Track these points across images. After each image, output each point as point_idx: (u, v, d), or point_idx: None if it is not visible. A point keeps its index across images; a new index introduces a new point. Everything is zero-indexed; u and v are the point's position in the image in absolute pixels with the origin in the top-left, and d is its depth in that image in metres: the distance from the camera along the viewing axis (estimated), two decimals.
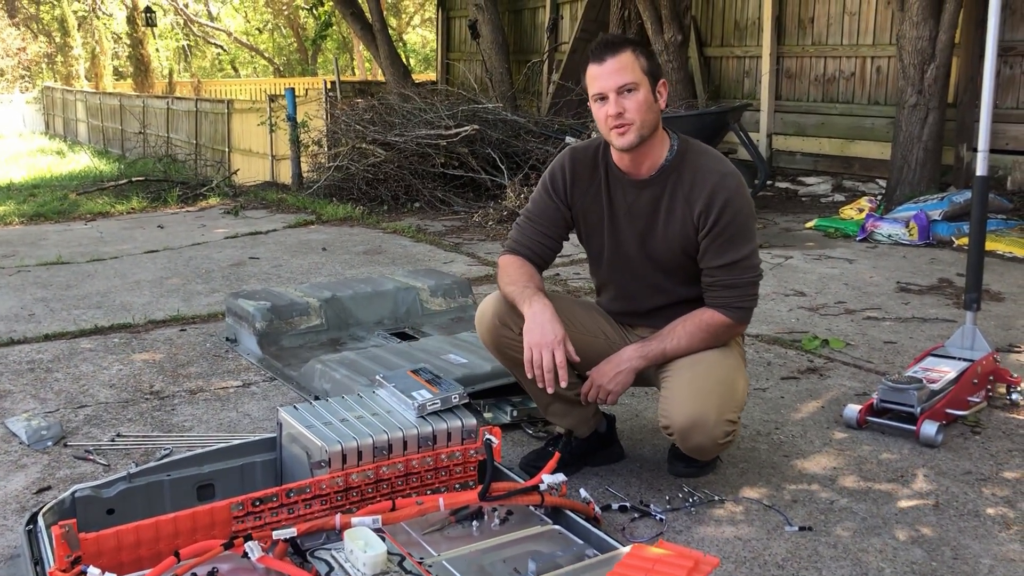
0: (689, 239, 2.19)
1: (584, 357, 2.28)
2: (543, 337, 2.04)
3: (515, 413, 2.80)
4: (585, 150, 2.29)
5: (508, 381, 2.75)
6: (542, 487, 1.99)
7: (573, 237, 2.40)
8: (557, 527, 1.95)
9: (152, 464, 2.11)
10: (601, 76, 2.10)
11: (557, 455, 2.15)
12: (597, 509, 2.10)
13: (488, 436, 2.09)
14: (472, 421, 2.10)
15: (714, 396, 2.09)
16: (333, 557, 1.73)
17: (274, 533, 1.74)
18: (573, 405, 2.40)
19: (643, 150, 2.18)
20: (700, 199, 2.15)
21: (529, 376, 2.07)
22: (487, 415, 2.79)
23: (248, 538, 1.72)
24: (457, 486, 2.09)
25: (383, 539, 1.71)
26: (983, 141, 2.88)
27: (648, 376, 2.31)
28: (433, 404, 2.08)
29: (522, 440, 2.74)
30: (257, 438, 2.23)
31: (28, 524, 1.92)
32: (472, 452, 2.10)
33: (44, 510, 1.93)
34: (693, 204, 2.16)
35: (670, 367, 2.22)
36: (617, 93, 2.10)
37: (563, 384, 2.02)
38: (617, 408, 2.97)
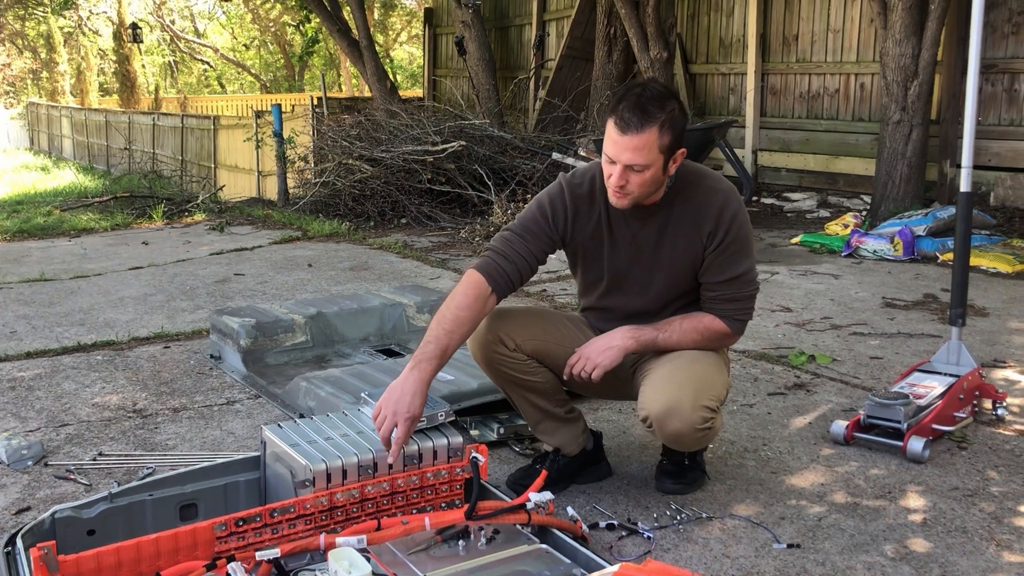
0: (696, 258, 2.21)
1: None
2: (398, 405, 1.99)
3: (502, 430, 2.79)
4: (581, 181, 2.24)
5: (495, 398, 2.75)
6: (529, 506, 1.98)
7: (560, 253, 2.38)
8: (544, 546, 1.94)
9: (134, 484, 2.09)
10: (617, 145, 2.06)
11: (544, 473, 2.14)
12: (584, 527, 2.09)
13: (474, 454, 2.08)
14: (458, 439, 2.09)
15: (690, 384, 2.11)
16: None
17: (257, 554, 1.73)
18: (562, 423, 2.41)
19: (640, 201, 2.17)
20: (709, 218, 2.16)
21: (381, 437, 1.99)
22: (473, 432, 2.78)
23: (231, 559, 1.70)
24: (443, 505, 2.08)
25: (368, 559, 1.70)
26: (966, 157, 2.90)
27: (629, 385, 2.31)
28: (419, 422, 2.06)
29: (509, 458, 2.73)
30: (241, 457, 2.20)
31: (6, 546, 1.89)
32: (458, 470, 2.09)
33: (23, 531, 1.90)
34: (702, 224, 2.17)
35: (650, 365, 2.23)
36: (625, 167, 2.07)
37: (390, 459, 1.96)
38: (605, 425, 2.96)
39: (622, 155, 2.05)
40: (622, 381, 2.32)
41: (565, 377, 2.24)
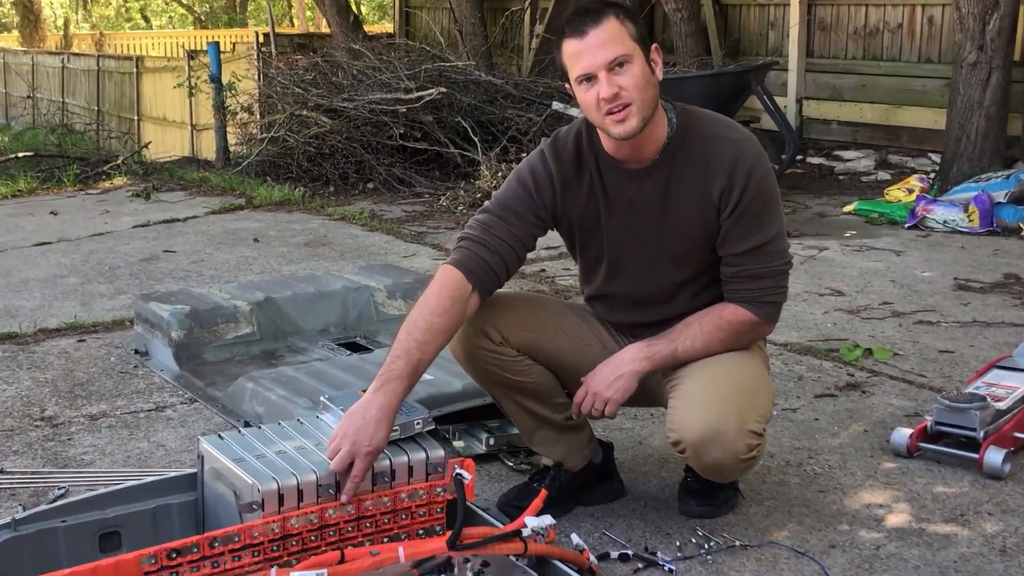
0: (710, 225, 2.22)
1: (575, 369, 2.33)
2: (357, 435, 1.99)
3: (492, 441, 2.81)
4: (565, 142, 2.27)
5: (483, 402, 2.77)
6: (525, 532, 2.00)
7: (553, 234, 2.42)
8: None
9: (43, 507, 2.11)
10: (585, 52, 2.09)
11: (544, 492, 2.17)
12: (592, 559, 2.11)
13: (459, 470, 2.10)
14: (439, 452, 2.11)
15: (734, 402, 2.13)
16: None
17: None
18: (563, 432, 2.43)
19: (645, 133, 2.18)
20: (720, 174, 2.17)
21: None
22: (457, 444, 2.81)
23: None
24: (421, 532, 2.10)
25: None
26: None
27: (653, 391, 2.34)
28: (391, 432, 2.08)
29: (501, 474, 2.76)
30: (173, 475, 2.23)
31: None
32: (439, 490, 2.11)
33: None
34: (711, 181, 2.19)
35: (681, 373, 2.24)
36: (608, 70, 2.10)
37: (344, 498, 1.98)
38: (616, 434, 2.97)
39: (595, 57, 2.07)
40: (647, 389, 2.33)
41: (574, 415, 2.32)
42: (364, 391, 2.18)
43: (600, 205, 2.26)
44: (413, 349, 2.08)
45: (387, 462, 2.06)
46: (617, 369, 2.23)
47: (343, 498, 1.98)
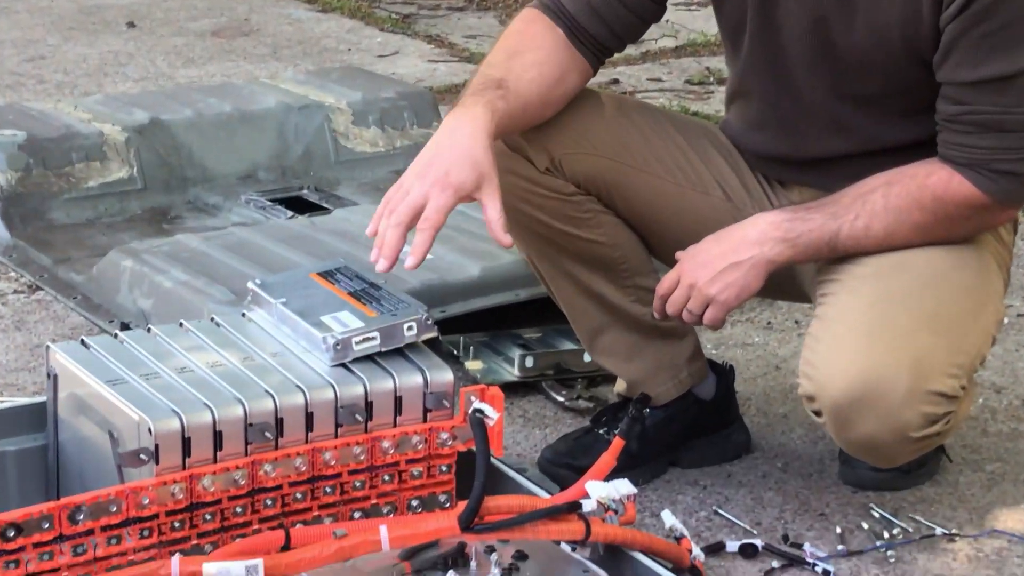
0: (919, 26, 2.03)
1: (673, 231, 2.22)
2: (445, 163, 1.94)
3: (530, 362, 2.65)
4: None
5: (515, 299, 2.73)
6: (587, 506, 1.84)
7: None
8: None
9: None
10: None
11: (618, 443, 1.98)
12: (697, 552, 1.94)
13: (477, 405, 1.92)
14: (445, 376, 1.95)
15: (913, 341, 1.98)
16: None
17: None
18: (649, 338, 2.30)
19: None
20: None
21: (369, 233, 1.98)
22: (472, 365, 2.68)
23: None
24: (416, 503, 1.95)
25: None
26: None
27: (800, 285, 2.24)
28: (366, 339, 1.93)
29: (545, 415, 2.59)
30: (9, 405, 2.10)
31: None
32: (445, 436, 1.94)
33: None
34: None
35: (837, 275, 2.09)
36: None
37: (410, 264, 1.93)
38: (736, 352, 2.85)
39: None
40: (787, 282, 2.22)
41: (656, 315, 2.18)
42: (318, 275, 2.10)
43: None
44: (492, 71, 2.05)
45: (360, 389, 1.89)
46: (734, 250, 2.06)
47: (409, 262, 1.93)
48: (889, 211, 2.03)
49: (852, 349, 1.96)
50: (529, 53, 2.09)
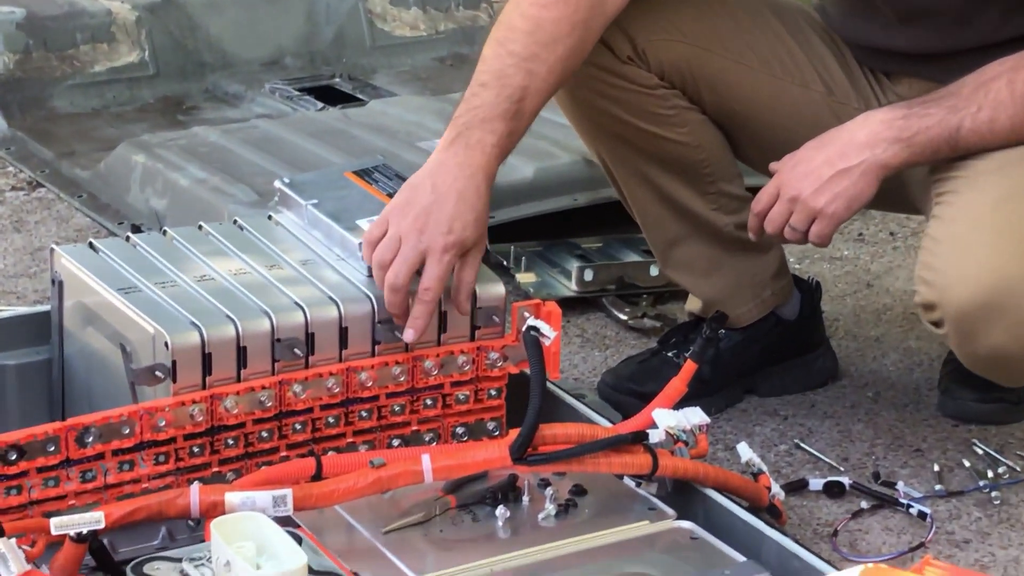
0: None
1: (766, 132, 2.17)
2: (430, 216, 1.83)
3: (590, 275, 2.64)
4: None
5: (572, 204, 2.71)
6: (654, 437, 1.82)
7: None
8: (687, 524, 1.78)
9: None
10: None
11: (690, 367, 1.93)
12: (776, 489, 1.92)
13: (532, 322, 1.90)
14: (496, 289, 1.95)
15: None
16: None
17: (53, 523, 1.56)
18: (729, 249, 2.27)
19: None
20: None
21: (364, 258, 1.90)
22: (523, 278, 2.67)
23: None
24: (460, 431, 1.95)
25: (298, 540, 1.54)
26: None
27: (912, 193, 2.15)
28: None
29: (606, 335, 2.58)
30: (9, 314, 2.12)
31: None
32: (495, 357, 1.92)
33: None
34: None
35: (958, 173, 1.99)
36: None
37: (410, 335, 1.85)
38: (825, 266, 2.85)
39: None
40: (898, 189, 2.13)
41: (752, 235, 2.12)
42: (354, 173, 2.09)
43: None
44: (510, 71, 1.91)
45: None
46: (841, 155, 1.97)
47: (408, 336, 1.86)
48: (1016, 100, 1.94)
49: (979, 251, 1.90)
50: (553, 48, 1.95)
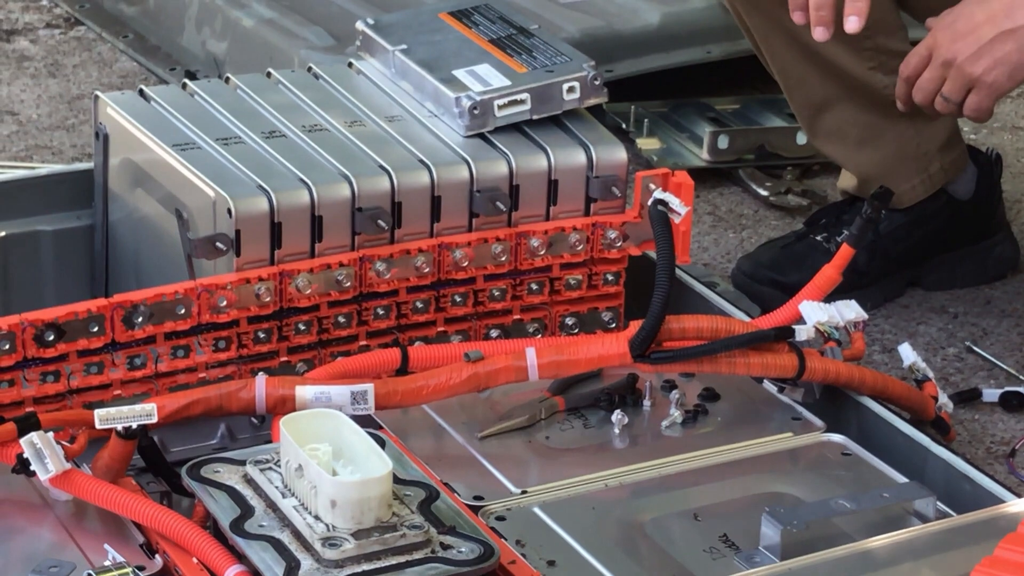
0: None
1: None
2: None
3: (724, 142, 2.57)
4: None
5: (704, 57, 2.65)
6: (800, 334, 1.74)
7: None
8: (838, 438, 1.72)
9: None
10: None
11: (846, 251, 1.84)
12: (943, 400, 1.83)
13: (660, 196, 1.80)
14: (616, 154, 1.87)
15: None
16: (251, 483, 1.52)
17: (97, 415, 1.52)
18: (889, 116, 2.13)
19: None
20: None
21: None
22: (646, 143, 2.60)
23: (27, 424, 1.52)
24: (572, 321, 1.91)
25: (381, 443, 1.50)
26: None
27: None
28: (512, 102, 1.87)
29: (742, 213, 2.54)
30: (45, 172, 2.08)
31: None
32: (614, 235, 1.86)
33: None
34: None
35: None
36: None
37: (853, 27, 1.78)
38: (1007, 137, 2.76)
39: None
40: None
41: (900, 104, 2.00)
42: (448, 15, 2.02)
43: None
44: None
45: (502, 167, 1.83)
46: (1007, 12, 1.85)
47: (851, 24, 1.83)
48: None
49: None
50: None
